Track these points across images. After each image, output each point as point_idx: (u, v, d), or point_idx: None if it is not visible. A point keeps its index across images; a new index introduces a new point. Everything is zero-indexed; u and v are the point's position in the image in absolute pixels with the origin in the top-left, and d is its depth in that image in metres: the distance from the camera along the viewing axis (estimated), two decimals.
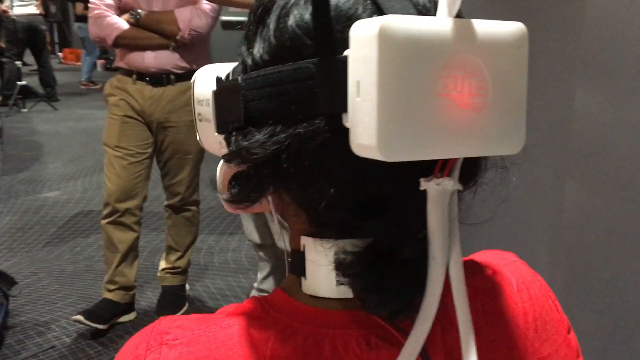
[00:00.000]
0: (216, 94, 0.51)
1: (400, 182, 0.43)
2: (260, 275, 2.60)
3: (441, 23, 0.38)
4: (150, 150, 2.62)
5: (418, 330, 0.43)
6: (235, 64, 0.53)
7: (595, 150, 1.22)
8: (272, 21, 0.45)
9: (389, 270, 0.43)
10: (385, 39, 0.36)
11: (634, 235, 1.15)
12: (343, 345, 0.47)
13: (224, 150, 0.51)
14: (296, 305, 0.49)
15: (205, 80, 0.54)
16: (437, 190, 0.41)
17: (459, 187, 0.42)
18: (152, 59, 2.52)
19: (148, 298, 2.96)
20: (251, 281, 3.19)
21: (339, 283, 0.46)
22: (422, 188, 0.41)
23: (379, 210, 0.44)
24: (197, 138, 0.59)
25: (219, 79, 0.51)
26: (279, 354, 0.46)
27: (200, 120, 0.55)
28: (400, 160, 0.38)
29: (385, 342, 0.47)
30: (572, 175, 1.27)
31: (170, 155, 2.68)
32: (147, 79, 2.54)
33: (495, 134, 0.40)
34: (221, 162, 0.62)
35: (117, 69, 2.65)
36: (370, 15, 0.41)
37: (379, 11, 0.41)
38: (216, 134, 0.51)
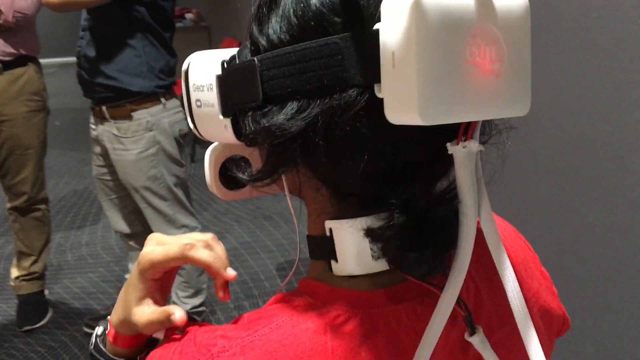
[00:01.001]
0: (223, 78, 0.50)
1: (426, 147, 0.45)
2: (132, 266, 2.48)
3: None
4: None
5: (453, 282, 0.46)
6: (228, 49, 0.53)
7: None
8: (289, 2, 0.45)
9: (426, 229, 0.45)
10: (421, 11, 0.38)
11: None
12: (396, 321, 0.48)
13: (229, 134, 0.51)
14: (338, 292, 0.49)
15: (202, 67, 0.53)
16: (464, 153, 0.43)
17: (482, 148, 0.45)
18: None
19: (3, 311, 2.69)
20: (115, 273, 3.03)
21: (374, 257, 0.47)
22: (450, 152, 0.44)
23: (407, 176, 0.46)
24: (192, 126, 0.57)
25: (224, 63, 0.50)
26: (340, 343, 0.46)
27: (199, 106, 0.54)
28: (437, 124, 0.39)
29: (429, 308, 0.48)
30: None
31: (8, 152, 2.42)
32: None
33: (510, 97, 0.43)
34: (211, 147, 0.61)
35: None
36: None
37: None
38: (221, 117, 0.51)
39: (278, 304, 0.50)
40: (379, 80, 0.40)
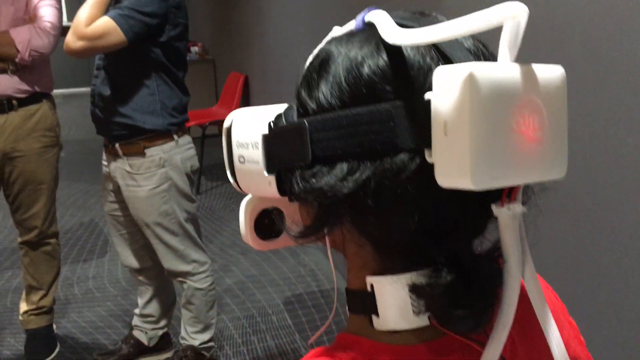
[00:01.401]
0: (270, 137, 0.53)
1: (470, 207, 0.48)
2: (141, 301, 2.49)
3: (510, 68, 0.43)
4: None
5: (497, 338, 0.47)
6: (271, 107, 0.55)
7: None
8: (341, 69, 0.48)
9: (472, 287, 0.47)
10: (475, 84, 0.40)
11: None
12: None
13: (272, 190, 0.54)
14: (380, 347, 0.51)
15: (246, 125, 0.56)
16: (509, 215, 0.45)
17: (524, 209, 0.47)
18: None
19: (11, 345, 2.69)
20: (122, 307, 3.04)
21: (416, 313, 0.49)
22: (495, 214, 0.46)
23: (450, 233, 0.48)
24: (232, 181, 0.60)
25: (270, 124, 0.53)
26: None
27: (242, 162, 0.57)
28: (486, 189, 0.42)
29: (465, 357, 0.50)
30: None
31: (21, 187, 2.45)
32: None
33: (550, 161, 0.46)
34: (246, 199, 0.63)
35: None
36: (438, 64, 0.46)
37: (445, 59, 0.47)
38: (266, 174, 0.53)
39: (321, 357, 0.52)
40: (429, 146, 0.43)
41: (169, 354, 2.60)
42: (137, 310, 2.53)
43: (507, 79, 0.42)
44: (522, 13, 0.42)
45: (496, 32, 0.44)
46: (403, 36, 0.44)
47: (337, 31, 0.55)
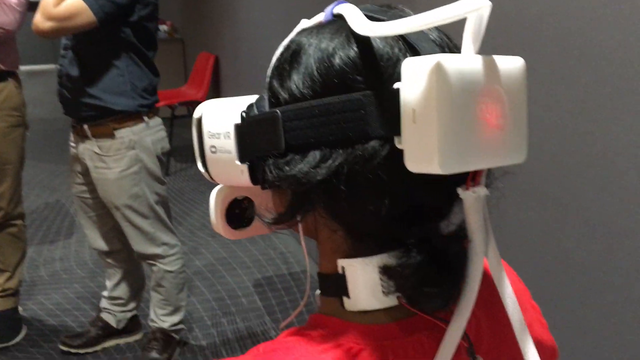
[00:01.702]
0: (242, 127, 0.54)
1: (438, 191, 0.50)
2: (110, 283, 2.48)
3: (474, 59, 0.45)
4: None
5: (461, 313, 0.50)
6: (240, 97, 0.57)
7: None
8: (312, 60, 0.50)
9: (441, 266, 0.49)
10: (441, 74, 0.42)
11: None
12: (403, 353, 0.52)
13: (245, 178, 0.55)
14: (351, 325, 0.53)
15: (217, 115, 0.58)
16: (474, 197, 0.48)
17: (488, 192, 0.50)
18: None
19: None
20: (90, 289, 3.01)
21: (385, 293, 0.51)
22: (461, 197, 0.49)
23: (420, 217, 0.50)
24: (202, 170, 0.61)
25: (243, 113, 0.54)
26: None
27: (213, 152, 0.58)
28: (453, 173, 0.44)
29: (435, 341, 0.52)
30: None
31: None
32: None
33: (511, 147, 0.49)
34: (217, 189, 0.64)
35: None
36: (406, 55, 0.48)
37: (412, 50, 0.49)
38: (239, 163, 0.55)
39: (293, 336, 0.53)
40: (399, 133, 0.45)
41: (137, 336, 2.59)
42: (105, 293, 2.51)
43: (471, 70, 0.44)
44: (484, 7, 0.44)
45: (461, 25, 0.45)
46: (372, 28, 0.46)
47: (305, 23, 0.57)
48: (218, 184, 0.64)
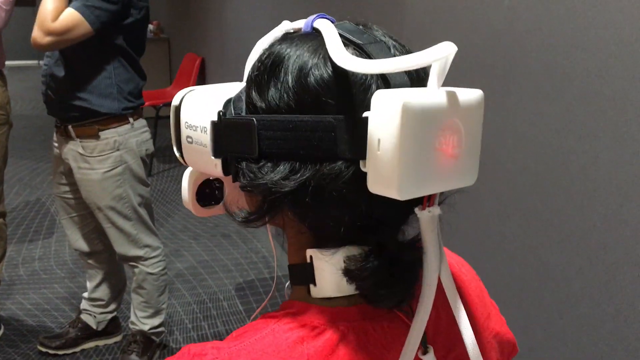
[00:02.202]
0: (219, 126, 0.57)
1: (395, 207, 0.53)
2: (90, 284, 2.46)
3: (437, 95, 0.49)
4: None
5: (421, 315, 0.55)
6: (218, 88, 0.60)
7: None
8: (290, 77, 0.53)
9: (395, 271, 0.54)
10: (406, 112, 0.46)
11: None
12: (364, 333, 0.57)
13: (218, 171, 0.59)
14: (317, 308, 0.57)
15: (197, 108, 0.60)
16: (429, 216, 0.53)
17: (440, 212, 0.55)
18: None
19: None
20: (69, 290, 2.99)
21: (349, 282, 0.55)
22: (418, 216, 0.53)
23: (378, 227, 0.55)
24: (177, 155, 0.64)
25: (220, 113, 0.57)
26: (316, 350, 0.54)
27: (190, 142, 0.61)
28: (410, 198, 0.49)
29: (395, 324, 0.58)
30: None
31: None
32: None
33: (463, 173, 0.53)
34: (190, 171, 0.69)
35: None
36: (377, 84, 0.52)
37: (383, 79, 0.52)
38: (213, 158, 0.58)
39: (263, 319, 0.57)
40: (364, 157, 0.49)
41: (117, 338, 2.58)
42: (85, 294, 2.49)
43: (434, 105, 0.49)
44: (451, 53, 0.48)
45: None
46: (349, 63, 0.49)
47: (286, 25, 0.60)
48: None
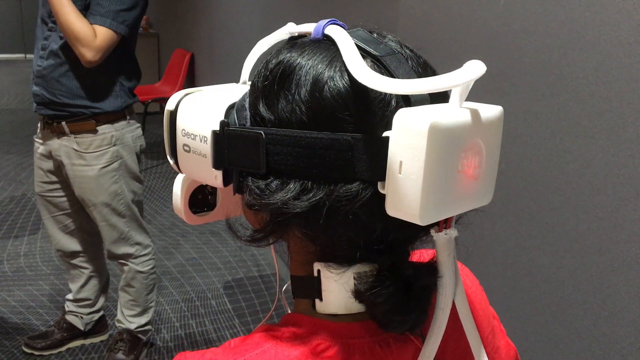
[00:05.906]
0: (222, 137, 0.53)
1: (411, 229, 0.51)
2: (75, 285, 2.42)
3: (461, 115, 0.46)
4: None
5: (432, 339, 0.53)
6: (218, 91, 0.56)
7: None
8: (303, 89, 0.48)
9: (411, 296, 0.51)
10: (433, 134, 0.43)
11: None
12: (370, 351, 0.54)
13: (218, 182, 0.55)
14: (320, 323, 0.54)
15: (196, 115, 0.56)
16: (446, 239, 0.51)
17: (457, 234, 0.52)
18: None
19: None
20: (55, 287, 2.95)
21: (358, 301, 0.52)
22: (434, 238, 0.51)
23: (391, 247, 0.52)
24: (171, 162, 0.60)
25: (223, 123, 0.53)
26: None
27: (187, 151, 0.57)
28: (431, 223, 0.46)
29: (399, 341, 0.55)
30: None
31: None
32: None
33: (482, 193, 0.51)
34: (182, 178, 0.65)
35: None
36: (397, 99, 0.48)
37: (404, 97, 0.48)
38: (213, 169, 0.55)
39: (263, 332, 0.54)
40: (383, 179, 0.46)
41: (103, 337, 2.55)
42: (70, 296, 2.45)
43: (459, 126, 0.46)
44: (480, 75, 0.46)
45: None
46: (375, 82, 0.45)
47: (292, 27, 0.56)
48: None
